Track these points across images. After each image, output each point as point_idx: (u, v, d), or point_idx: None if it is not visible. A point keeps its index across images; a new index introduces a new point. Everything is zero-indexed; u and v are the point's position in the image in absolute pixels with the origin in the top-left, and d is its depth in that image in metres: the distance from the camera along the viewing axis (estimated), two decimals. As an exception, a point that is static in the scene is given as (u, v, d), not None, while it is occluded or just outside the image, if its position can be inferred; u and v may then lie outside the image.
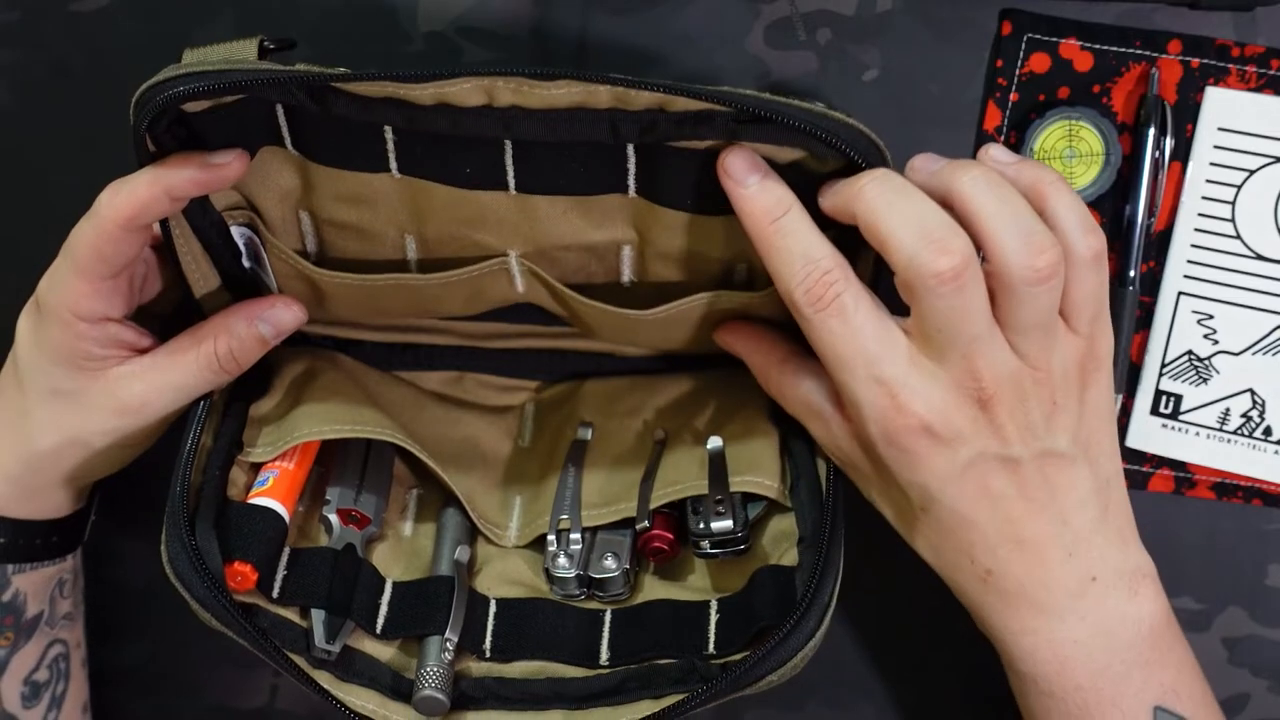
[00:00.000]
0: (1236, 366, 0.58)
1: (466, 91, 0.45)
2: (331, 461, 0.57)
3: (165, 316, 0.55)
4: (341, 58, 0.55)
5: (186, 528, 0.48)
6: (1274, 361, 0.57)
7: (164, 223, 0.50)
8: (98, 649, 0.61)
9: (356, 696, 0.51)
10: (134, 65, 0.49)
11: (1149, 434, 0.59)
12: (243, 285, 0.54)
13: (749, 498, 0.53)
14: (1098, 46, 0.56)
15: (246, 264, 0.53)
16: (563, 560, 0.54)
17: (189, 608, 0.48)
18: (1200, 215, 0.57)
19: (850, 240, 0.47)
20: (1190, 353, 0.58)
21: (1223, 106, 0.56)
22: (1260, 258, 0.57)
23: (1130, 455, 0.59)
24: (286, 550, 0.52)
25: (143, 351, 0.52)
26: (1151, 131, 0.55)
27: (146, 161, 0.47)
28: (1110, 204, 0.57)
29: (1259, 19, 0.56)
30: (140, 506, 0.57)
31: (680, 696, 0.49)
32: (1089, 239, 0.46)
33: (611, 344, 0.60)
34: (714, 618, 0.52)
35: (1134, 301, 0.57)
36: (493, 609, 0.54)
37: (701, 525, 0.52)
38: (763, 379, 0.53)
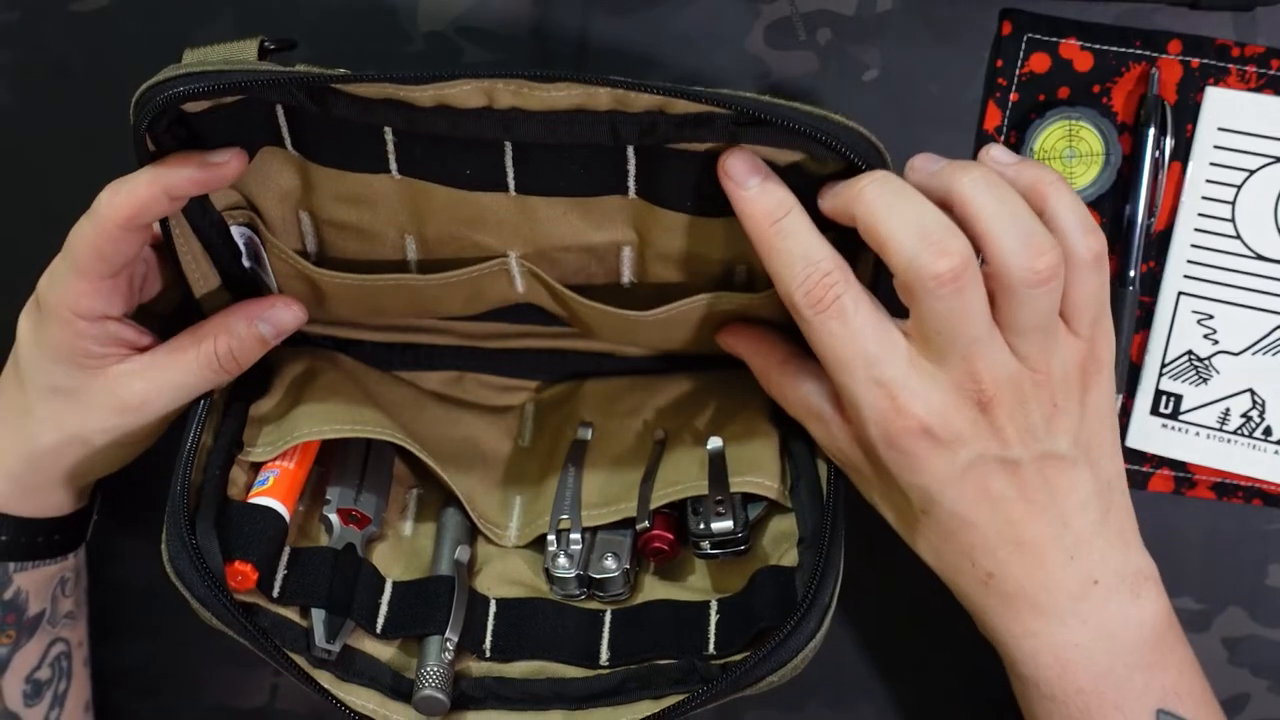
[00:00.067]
0: (1236, 366, 0.58)
1: (466, 93, 0.45)
2: (331, 461, 0.57)
3: (165, 316, 0.55)
4: (341, 58, 0.55)
5: (187, 527, 0.48)
6: (1274, 361, 0.57)
7: (164, 222, 0.50)
8: (98, 648, 0.61)
9: (357, 696, 0.51)
10: (134, 65, 0.49)
11: (1149, 434, 0.59)
12: (243, 285, 0.54)
13: (749, 498, 0.53)
14: (1098, 46, 0.56)
15: (246, 264, 0.53)
16: (563, 560, 0.54)
17: (189, 607, 0.48)
18: (1200, 215, 0.57)
19: (850, 242, 0.47)
20: (1190, 353, 0.58)
21: (1223, 106, 0.56)
22: (1260, 258, 0.57)
23: (1130, 455, 0.59)
24: (287, 550, 0.52)
25: (143, 350, 0.52)
26: (1151, 131, 0.55)
27: (146, 161, 0.47)
28: (1110, 204, 0.57)
29: (1259, 19, 0.56)
30: (141, 506, 0.57)
31: (680, 697, 0.49)
32: (1089, 240, 0.46)
33: (611, 344, 0.60)
34: (714, 618, 0.52)
35: (1134, 301, 0.57)
36: (493, 609, 0.54)
37: (702, 526, 0.52)
38: (763, 380, 0.53)
